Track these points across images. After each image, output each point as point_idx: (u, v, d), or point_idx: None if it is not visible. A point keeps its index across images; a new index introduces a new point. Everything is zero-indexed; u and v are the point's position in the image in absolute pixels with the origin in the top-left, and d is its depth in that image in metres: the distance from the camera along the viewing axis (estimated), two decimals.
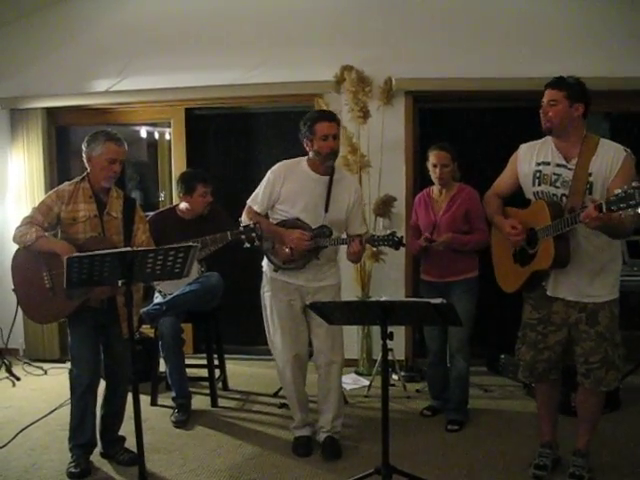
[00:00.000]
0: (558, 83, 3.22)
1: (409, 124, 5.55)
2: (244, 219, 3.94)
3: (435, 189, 4.36)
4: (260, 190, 3.87)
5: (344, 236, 3.93)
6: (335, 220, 3.82)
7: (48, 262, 3.53)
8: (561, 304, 3.33)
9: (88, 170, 3.67)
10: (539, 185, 3.32)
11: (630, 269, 4.89)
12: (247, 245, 3.86)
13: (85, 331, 3.63)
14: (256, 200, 3.89)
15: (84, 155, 3.66)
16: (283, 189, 3.80)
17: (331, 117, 3.79)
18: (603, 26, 5.30)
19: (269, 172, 3.87)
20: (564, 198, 3.21)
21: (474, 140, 5.64)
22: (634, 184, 2.67)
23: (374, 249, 5.17)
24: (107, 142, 3.60)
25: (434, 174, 4.26)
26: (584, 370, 3.32)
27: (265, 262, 3.97)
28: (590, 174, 3.14)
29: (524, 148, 3.47)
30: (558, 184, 3.24)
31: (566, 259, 3.18)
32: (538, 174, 3.32)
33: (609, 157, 3.13)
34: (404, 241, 3.80)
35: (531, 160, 3.37)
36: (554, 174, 3.26)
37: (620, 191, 2.72)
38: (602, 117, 5.91)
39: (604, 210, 2.79)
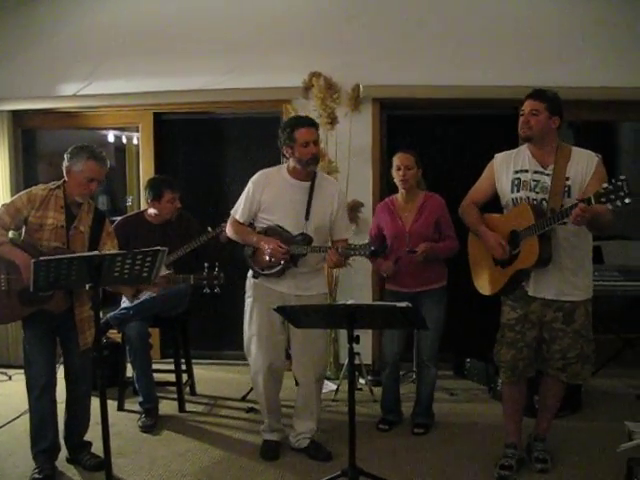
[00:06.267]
0: (539, 95, 3.42)
1: (376, 131, 5.62)
2: (228, 230, 3.95)
3: (399, 197, 4.33)
4: (241, 200, 3.88)
5: (329, 243, 3.90)
6: (318, 226, 3.79)
7: (8, 265, 3.50)
8: (539, 303, 3.48)
9: (65, 180, 3.64)
10: (518, 192, 3.49)
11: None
12: (207, 290, 3.89)
13: (39, 333, 3.59)
14: (238, 210, 3.89)
15: (64, 166, 3.62)
16: (263, 197, 3.79)
17: (310, 122, 3.80)
18: (572, 36, 5.43)
19: (250, 181, 3.87)
20: (544, 202, 3.38)
21: (441, 147, 5.72)
22: (621, 177, 2.89)
23: None
24: (89, 160, 3.56)
25: (397, 177, 4.24)
26: (561, 365, 3.51)
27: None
28: (568, 178, 3.35)
29: (500, 158, 3.64)
30: (538, 189, 3.43)
31: (549, 257, 3.35)
32: (517, 181, 3.50)
33: (584, 162, 3.38)
34: (387, 250, 3.88)
35: (508, 169, 3.55)
36: (533, 180, 3.45)
37: (607, 185, 2.93)
38: (566, 126, 6.03)
39: (593, 203, 2.97)
